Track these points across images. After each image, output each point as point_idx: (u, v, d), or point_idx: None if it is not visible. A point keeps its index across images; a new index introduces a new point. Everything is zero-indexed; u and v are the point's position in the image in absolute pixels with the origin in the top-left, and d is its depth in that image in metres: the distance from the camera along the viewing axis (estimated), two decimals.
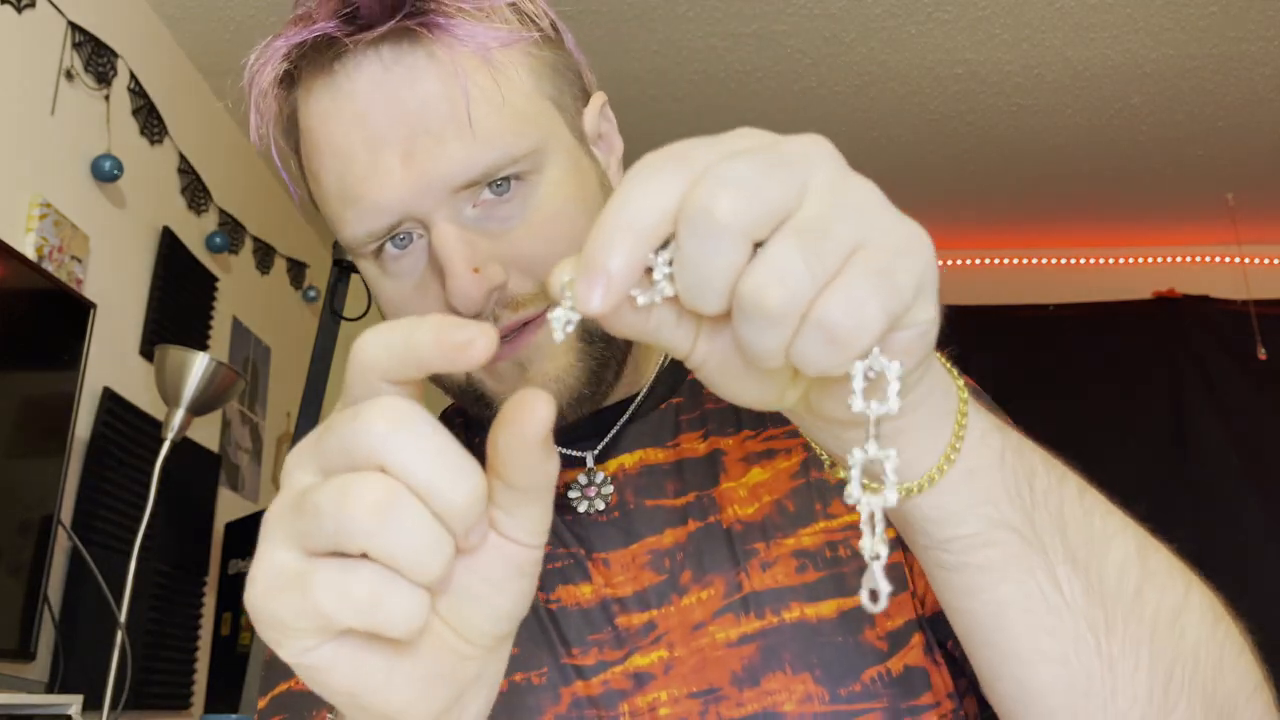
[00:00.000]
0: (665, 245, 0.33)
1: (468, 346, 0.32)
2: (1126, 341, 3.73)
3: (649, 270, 0.33)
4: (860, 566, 0.61)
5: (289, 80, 0.63)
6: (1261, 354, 3.50)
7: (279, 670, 0.67)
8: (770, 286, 0.31)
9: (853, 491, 0.33)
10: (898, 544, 0.62)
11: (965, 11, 2.60)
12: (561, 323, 0.34)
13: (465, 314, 0.59)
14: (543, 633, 0.64)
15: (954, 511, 0.43)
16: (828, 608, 0.61)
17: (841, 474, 0.36)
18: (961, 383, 0.43)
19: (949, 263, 3.94)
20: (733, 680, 0.60)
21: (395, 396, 0.33)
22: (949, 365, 0.44)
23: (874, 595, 0.33)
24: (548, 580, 0.65)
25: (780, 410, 0.40)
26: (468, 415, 0.76)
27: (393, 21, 0.58)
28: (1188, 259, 3.88)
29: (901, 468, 0.41)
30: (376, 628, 0.32)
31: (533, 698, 0.62)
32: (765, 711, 0.58)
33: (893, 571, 0.61)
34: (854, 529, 0.62)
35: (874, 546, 0.33)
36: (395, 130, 0.58)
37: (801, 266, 0.31)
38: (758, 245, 0.32)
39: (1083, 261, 3.97)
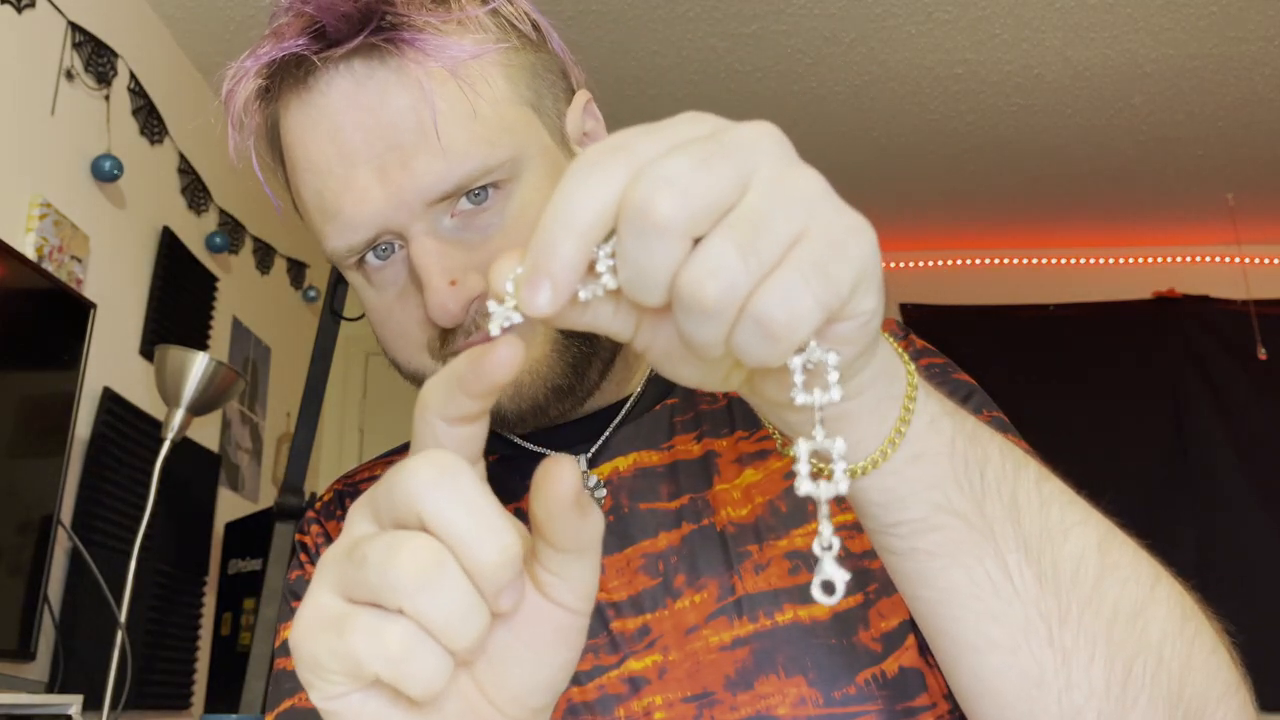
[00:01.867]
0: (607, 238, 0.33)
1: (499, 361, 0.33)
2: (1126, 341, 3.73)
3: (591, 264, 0.33)
4: (851, 568, 0.60)
5: (267, 94, 0.63)
6: (1261, 354, 3.50)
7: (285, 687, 0.67)
8: (706, 282, 0.31)
9: (801, 485, 0.34)
10: None
11: (965, 11, 2.60)
12: (500, 321, 0.34)
13: (442, 325, 0.60)
14: None
15: (900, 496, 0.43)
16: (821, 609, 0.60)
17: (791, 453, 0.36)
18: (912, 368, 0.44)
19: (949, 263, 3.94)
20: (726, 684, 0.59)
21: (442, 451, 0.34)
22: (900, 350, 0.44)
23: (828, 587, 0.33)
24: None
25: (727, 390, 0.41)
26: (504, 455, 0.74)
27: (360, 38, 0.58)
28: (1188, 259, 3.88)
29: (848, 451, 0.41)
30: (399, 682, 0.33)
31: None
32: (759, 715, 0.58)
33: (884, 572, 0.60)
34: (846, 528, 0.62)
35: (827, 537, 0.33)
36: (369, 146, 0.58)
37: (737, 261, 0.31)
38: (699, 239, 0.32)
39: (1083, 261, 3.97)
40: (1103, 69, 2.84)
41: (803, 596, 0.61)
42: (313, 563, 0.73)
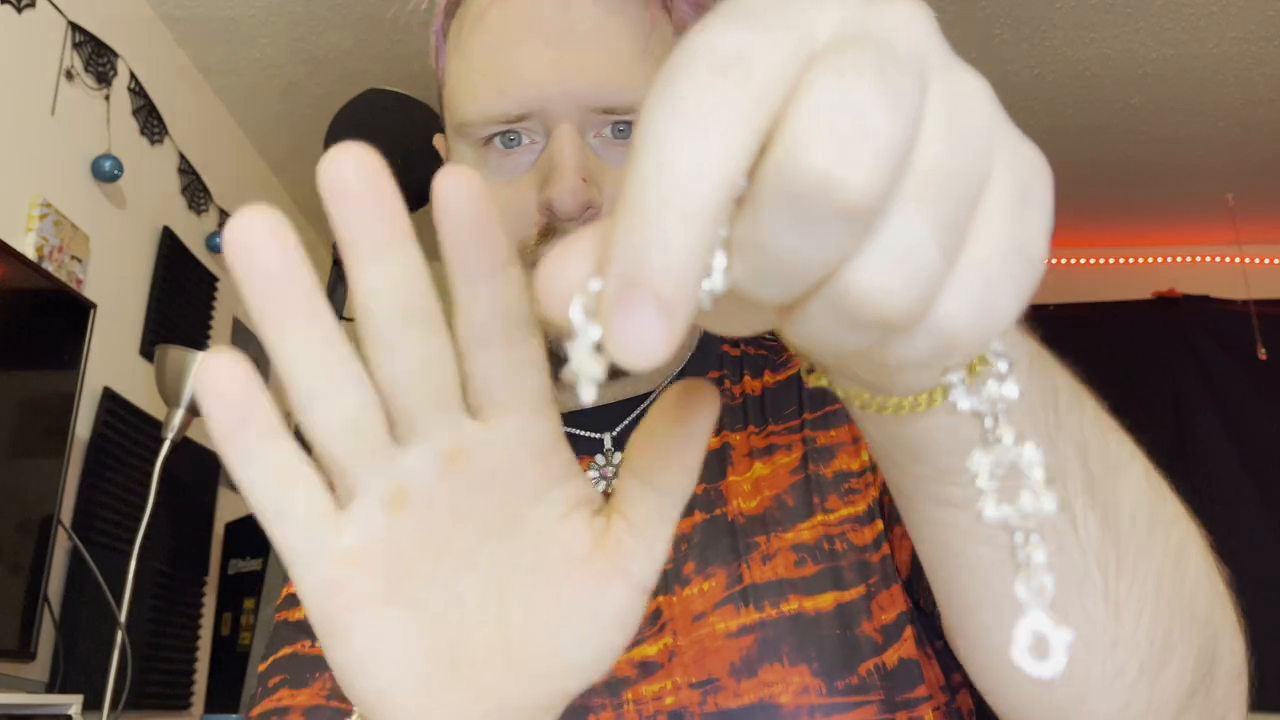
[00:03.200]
0: None
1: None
2: (1126, 341, 3.73)
3: None
4: (854, 561, 0.61)
5: None
6: (1261, 354, 3.50)
7: (284, 636, 0.68)
8: (895, 291, 0.21)
9: (987, 508, 0.25)
10: (883, 537, 0.62)
11: (966, 11, 2.60)
12: (588, 379, 0.21)
13: (562, 215, 0.60)
14: None
15: (968, 436, 0.33)
16: (825, 601, 0.61)
17: (824, 382, 0.31)
18: None
19: None
20: (730, 671, 0.60)
21: None
22: None
23: (1040, 648, 0.24)
24: None
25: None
26: None
27: None
28: (1188, 259, 3.88)
29: (912, 380, 0.32)
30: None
31: None
32: (762, 702, 0.58)
33: (884, 565, 0.61)
34: (849, 523, 0.63)
35: (1040, 574, 0.24)
36: (560, 32, 0.60)
37: (935, 254, 0.21)
38: None
39: (1083, 261, 3.97)
40: (1103, 69, 2.84)
41: (807, 588, 0.61)
42: None
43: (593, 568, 0.31)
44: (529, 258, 0.63)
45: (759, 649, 0.60)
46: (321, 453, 0.30)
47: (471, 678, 0.32)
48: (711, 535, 0.65)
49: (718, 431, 0.69)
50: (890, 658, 0.59)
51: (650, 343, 0.20)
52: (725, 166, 0.20)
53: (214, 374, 0.29)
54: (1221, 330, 3.70)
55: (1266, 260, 3.83)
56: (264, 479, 0.29)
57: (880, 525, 0.63)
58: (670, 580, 0.64)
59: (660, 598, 0.63)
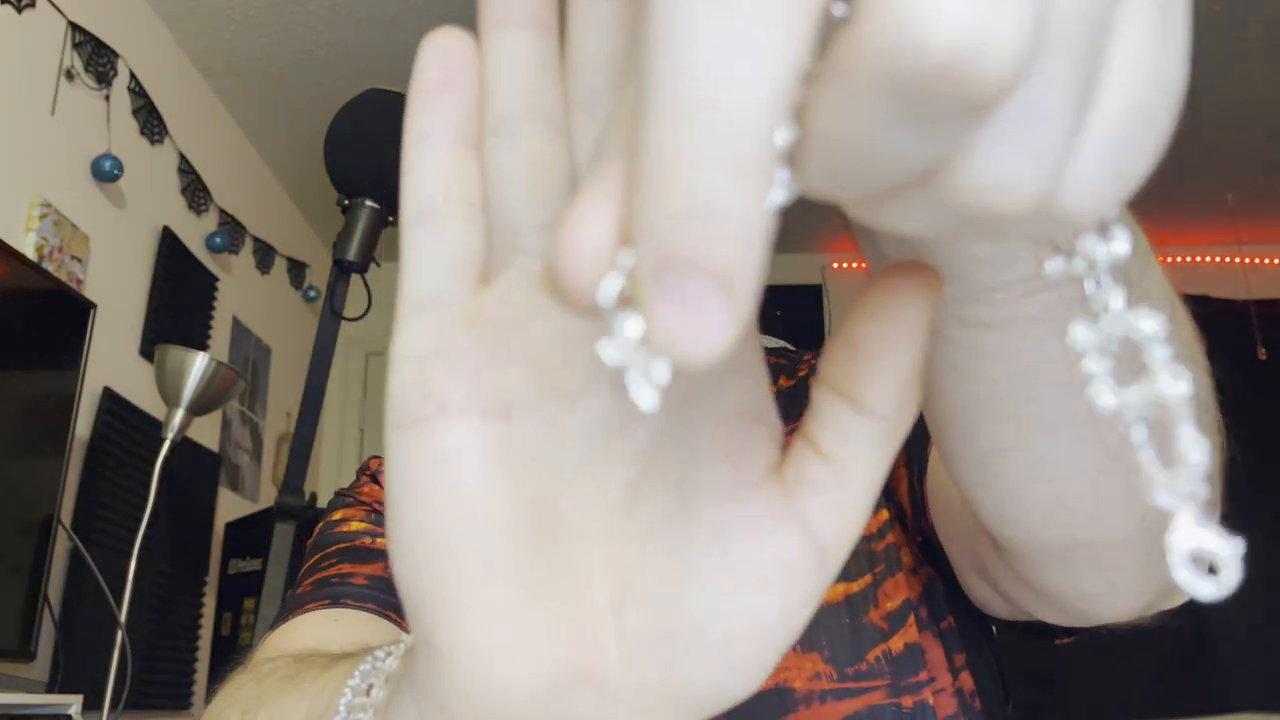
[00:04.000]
0: None
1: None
2: None
3: None
4: (860, 551, 0.64)
5: None
6: (1261, 354, 3.50)
7: (333, 539, 0.69)
8: (1025, 179, 0.16)
9: (1101, 397, 0.19)
10: (889, 526, 0.65)
11: None
12: (640, 378, 0.17)
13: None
14: None
15: (1012, 248, 0.28)
16: (834, 592, 0.63)
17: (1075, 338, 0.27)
18: None
19: None
20: None
21: None
22: None
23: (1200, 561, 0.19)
24: None
25: None
26: None
27: None
28: (1188, 259, 3.88)
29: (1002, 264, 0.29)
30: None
31: None
32: (777, 687, 0.60)
33: (888, 553, 0.64)
34: None
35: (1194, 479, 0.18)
36: None
37: (1069, 125, 0.16)
38: None
39: None
40: None
41: None
42: (376, 481, 0.75)
43: (759, 497, 0.23)
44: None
45: None
46: (497, 199, 0.23)
47: (567, 600, 0.23)
48: None
49: None
50: (896, 644, 0.62)
51: (708, 331, 0.15)
52: (788, 74, 0.14)
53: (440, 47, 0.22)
54: (1221, 330, 3.70)
55: (1266, 260, 3.83)
56: (433, 170, 0.23)
57: (884, 515, 0.66)
58: None
59: None
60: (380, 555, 0.66)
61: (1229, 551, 0.19)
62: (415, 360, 0.22)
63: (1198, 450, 0.18)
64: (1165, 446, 0.18)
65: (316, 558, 0.69)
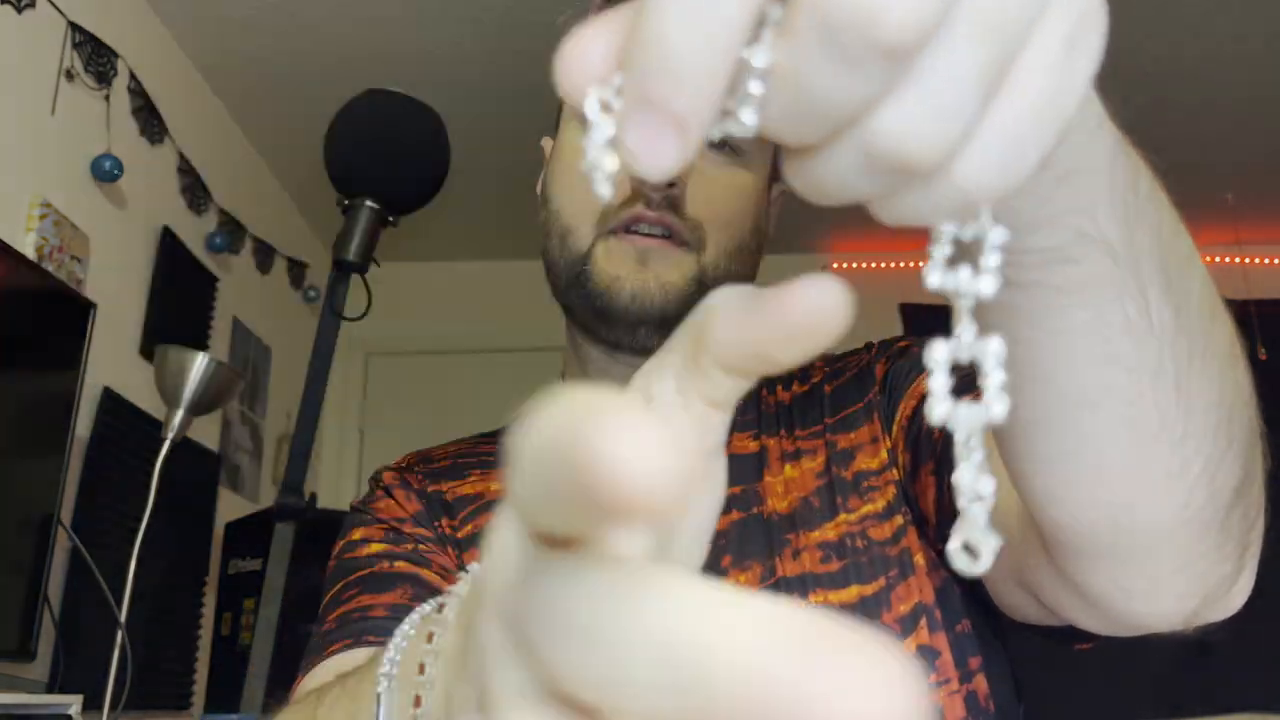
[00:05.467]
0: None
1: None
2: None
3: None
4: (874, 556, 0.66)
5: None
6: (1261, 354, 3.50)
7: (351, 567, 0.71)
8: (926, 135, 0.20)
9: (932, 275, 0.23)
10: (903, 530, 0.66)
11: None
12: (603, 172, 0.21)
13: (652, 177, 0.63)
14: None
15: (1035, 220, 0.33)
16: (848, 594, 0.65)
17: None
18: None
19: None
20: None
21: None
22: None
23: (972, 551, 0.22)
24: None
25: None
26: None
27: None
28: None
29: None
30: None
31: None
32: None
33: (902, 558, 0.66)
34: (869, 520, 0.68)
35: (973, 469, 0.22)
36: None
37: (974, 102, 0.20)
38: None
39: None
40: (1103, 68, 2.84)
41: (832, 582, 0.66)
42: (390, 495, 0.77)
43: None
44: (601, 229, 0.70)
45: None
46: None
47: None
48: (747, 533, 0.69)
49: (755, 437, 0.74)
50: (909, 646, 0.63)
51: (661, 157, 0.20)
52: None
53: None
54: None
55: (1266, 260, 3.83)
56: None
57: (899, 520, 0.67)
58: (708, 574, 0.66)
59: None
60: (400, 579, 0.67)
61: (991, 548, 0.22)
62: None
63: (979, 454, 0.22)
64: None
65: (339, 588, 0.69)
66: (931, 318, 3.78)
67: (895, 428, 0.69)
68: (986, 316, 0.35)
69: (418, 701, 0.31)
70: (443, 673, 0.30)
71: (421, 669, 0.31)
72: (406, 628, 0.35)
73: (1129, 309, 0.36)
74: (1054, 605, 0.51)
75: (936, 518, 0.64)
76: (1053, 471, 0.40)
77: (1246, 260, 3.72)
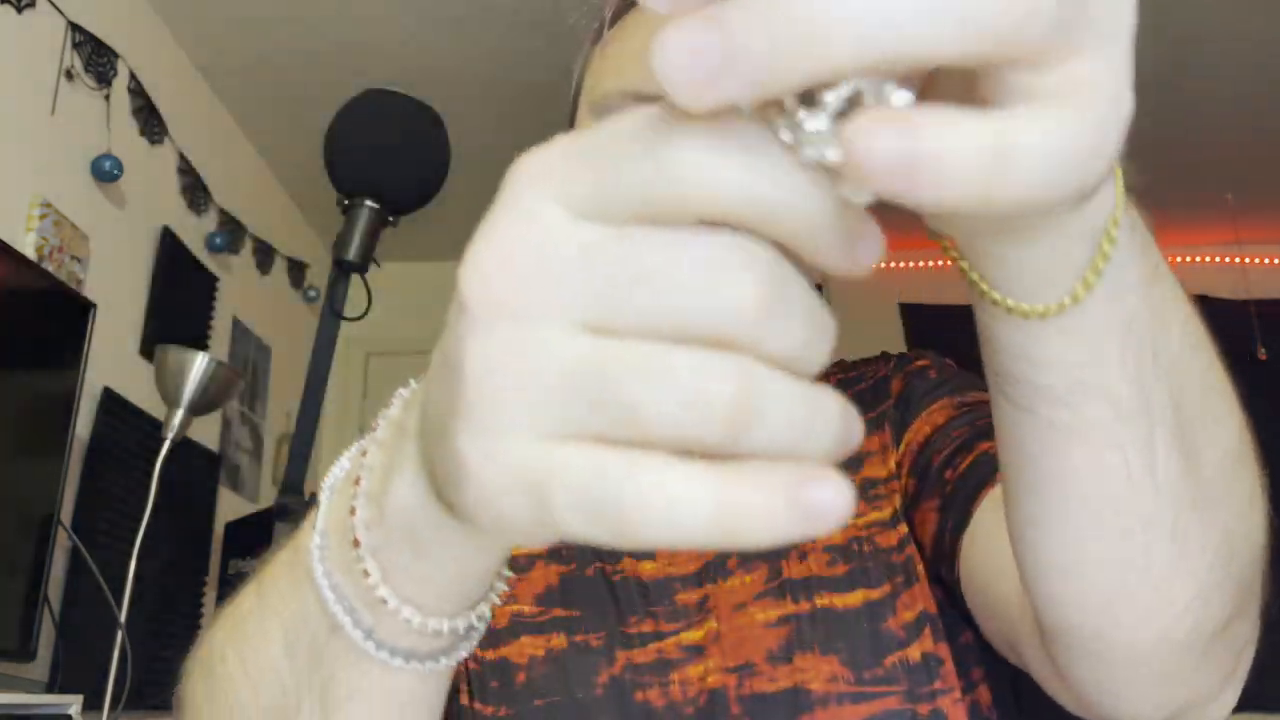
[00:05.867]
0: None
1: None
2: None
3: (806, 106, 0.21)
4: (881, 562, 0.66)
5: None
6: (1261, 354, 3.50)
7: None
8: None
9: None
10: (908, 539, 0.66)
11: None
12: (814, 154, 0.22)
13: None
14: (605, 600, 0.68)
15: (1034, 360, 0.33)
16: (854, 598, 0.65)
17: (1038, 310, 0.29)
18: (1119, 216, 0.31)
19: (950, 263, 3.93)
20: (767, 658, 0.64)
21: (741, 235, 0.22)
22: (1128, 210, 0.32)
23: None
24: (614, 552, 0.69)
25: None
26: None
27: None
28: (1188, 259, 3.88)
29: (997, 277, 0.32)
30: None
31: (589, 658, 0.66)
32: (795, 687, 0.62)
33: (907, 566, 0.65)
34: (875, 527, 0.67)
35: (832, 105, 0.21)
36: None
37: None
38: None
39: None
40: None
41: (836, 585, 0.66)
42: None
43: None
44: None
45: (795, 637, 0.64)
46: None
47: None
48: None
49: None
50: (913, 652, 0.63)
51: (700, 84, 0.20)
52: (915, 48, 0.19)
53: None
54: (1221, 330, 3.69)
55: (1266, 260, 3.83)
56: None
57: (904, 529, 0.67)
58: (714, 571, 0.68)
59: (707, 586, 0.67)
60: None
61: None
62: None
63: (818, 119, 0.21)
64: None
65: None
66: (932, 317, 3.78)
67: (904, 447, 0.69)
68: (997, 413, 0.37)
69: (357, 543, 0.33)
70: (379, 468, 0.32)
71: (353, 511, 0.33)
72: (331, 481, 0.36)
73: (1130, 458, 0.35)
74: (1040, 680, 0.52)
75: (932, 552, 0.64)
76: (1042, 572, 0.41)
77: (1246, 260, 3.72)
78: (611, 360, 0.21)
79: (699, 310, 0.21)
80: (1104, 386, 0.34)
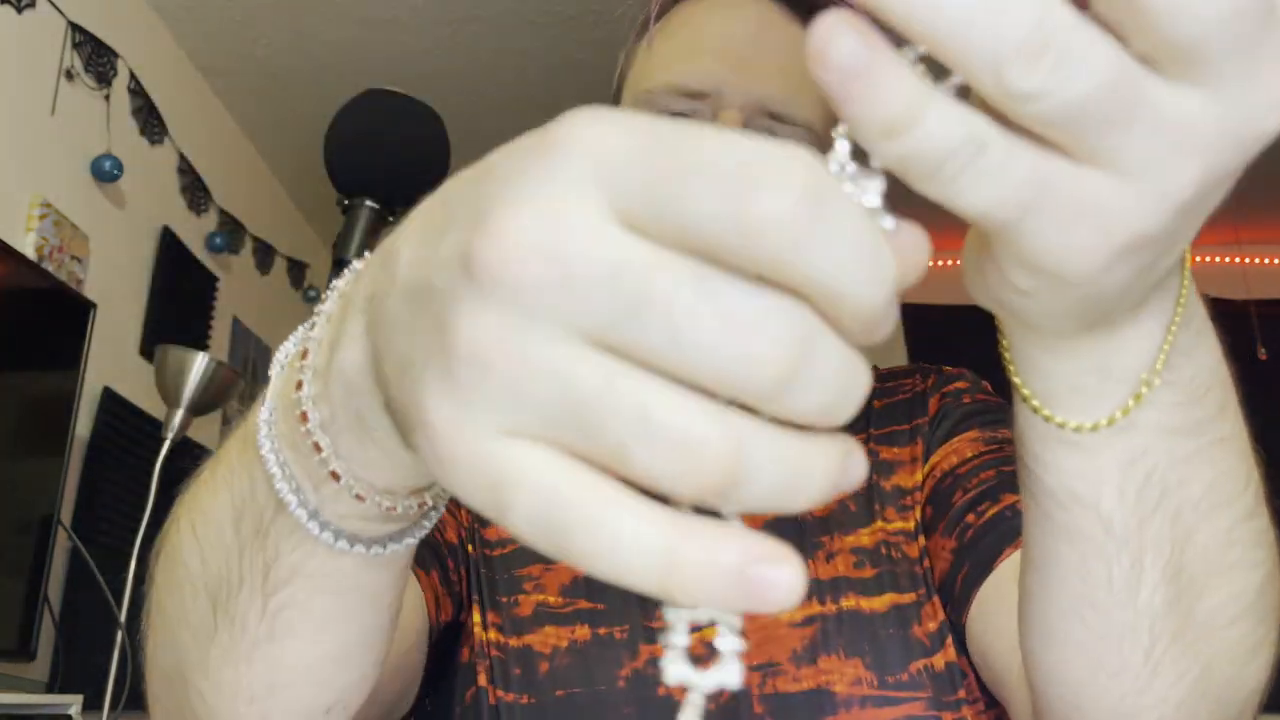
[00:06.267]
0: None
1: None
2: None
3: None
4: (907, 570, 0.65)
5: None
6: (1261, 354, 3.50)
7: None
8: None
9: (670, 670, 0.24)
10: (925, 553, 0.66)
11: None
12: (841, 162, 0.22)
13: None
14: (630, 593, 0.68)
15: (1036, 453, 0.35)
16: (881, 602, 0.65)
17: (1044, 413, 0.31)
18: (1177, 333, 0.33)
19: (953, 263, 3.93)
20: (791, 657, 0.64)
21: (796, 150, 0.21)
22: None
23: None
24: None
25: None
26: None
27: None
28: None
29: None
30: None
31: (612, 651, 0.66)
32: (819, 689, 0.62)
33: (928, 577, 0.65)
34: (903, 535, 0.67)
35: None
36: (755, 44, 0.68)
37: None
38: None
39: None
40: None
41: (864, 588, 0.66)
42: None
43: None
44: None
45: (820, 638, 0.64)
46: None
47: None
48: (780, 532, 0.68)
49: None
50: (938, 661, 0.63)
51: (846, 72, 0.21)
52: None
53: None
54: (1221, 330, 3.70)
55: (1266, 260, 3.83)
56: None
57: (923, 542, 0.67)
58: None
59: None
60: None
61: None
62: None
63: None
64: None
65: None
66: (933, 317, 3.78)
67: (928, 468, 0.68)
68: (1038, 530, 0.38)
69: (305, 418, 0.32)
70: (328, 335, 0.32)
71: (299, 385, 0.32)
72: (281, 355, 0.35)
73: (1114, 574, 0.36)
74: None
75: (939, 586, 0.64)
76: (1031, 627, 0.42)
77: (1246, 260, 3.72)
78: (608, 391, 0.20)
79: (715, 365, 0.20)
80: (1097, 505, 0.35)
